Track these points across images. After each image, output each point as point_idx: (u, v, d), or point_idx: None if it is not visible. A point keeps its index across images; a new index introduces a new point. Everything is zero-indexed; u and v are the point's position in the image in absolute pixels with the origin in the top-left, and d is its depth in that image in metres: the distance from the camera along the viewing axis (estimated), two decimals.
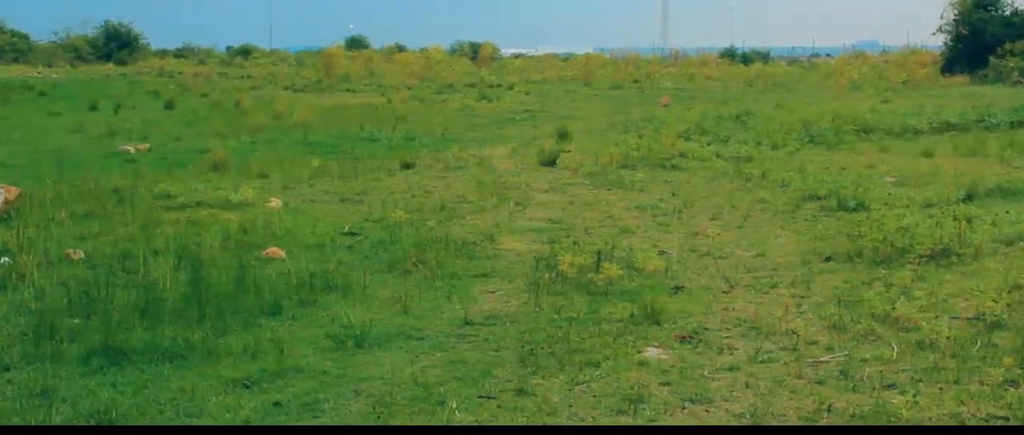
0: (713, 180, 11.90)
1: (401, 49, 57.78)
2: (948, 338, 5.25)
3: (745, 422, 4.31)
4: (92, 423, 4.30)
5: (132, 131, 18.39)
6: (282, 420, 4.38)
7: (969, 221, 8.04)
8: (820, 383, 4.76)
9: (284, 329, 5.74)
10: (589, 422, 4.34)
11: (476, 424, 4.30)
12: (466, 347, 5.44)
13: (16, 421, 4.21)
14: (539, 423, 4.31)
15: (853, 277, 6.84)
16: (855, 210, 9.20)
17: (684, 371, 4.96)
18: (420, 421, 4.33)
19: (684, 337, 5.53)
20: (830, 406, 4.43)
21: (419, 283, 6.84)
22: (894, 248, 7.34)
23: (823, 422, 4.29)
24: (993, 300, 5.79)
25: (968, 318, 5.74)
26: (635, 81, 38.40)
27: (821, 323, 5.74)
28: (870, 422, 4.22)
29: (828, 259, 7.49)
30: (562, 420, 4.36)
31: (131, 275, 6.94)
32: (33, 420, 4.23)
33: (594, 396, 4.62)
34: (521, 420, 4.34)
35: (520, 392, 4.67)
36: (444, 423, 4.27)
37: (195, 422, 4.36)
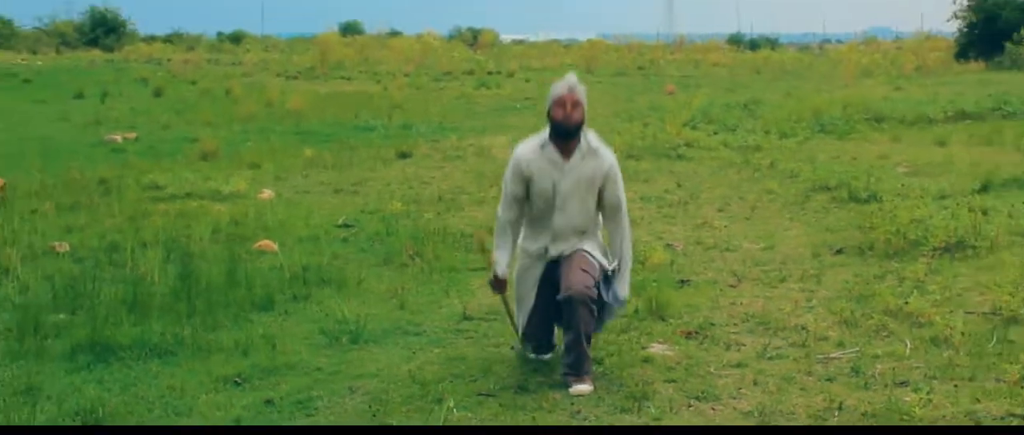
0: (720, 170, 11.89)
1: (396, 35, 57.76)
2: (963, 334, 5.24)
3: (753, 420, 4.30)
4: (78, 421, 4.30)
5: (119, 120, 18.39)
6: (275, 418, 4.38)
7: (985, 213, 8.05)
8: (830, 380, 4.76)
9: (276, 324, 5.74)
10: (592, 421, 4.34)
11: (475, 423, 4.30)
12: (465, 343, 5.44)
13: None
14: (540, 421, 4.31)
15: (865, 271, 6.84)
16: (867, 201, 9.20)
17: (690, 368, 4.95)
18: (417, 419, 4.33)
19: (690, 333, 5.52)
20: (841, 404, 4.43)
21: (416, 277, 6.84)
22: (907, 241, 7.34)
23: (833, 421, 4.29)
24: (1010, 294, 5.80)
25: (984, 313, 5.75)
26: (639, 68, 38.39)
27: (831, 318, 5.74)
28: (882, 420, 4.22)
29: (839, 252, 7.49)
30: (564, 418, 4.36)
31: (118, 268, 6.95)
32: (17, 419, 4.22)
33: (597, 393, 4.61)
34: (521, 418, 4.34)
35: (520, 390, 4.67)
36: (442, 421, 4.26)
37: (185, 420, 4.35)
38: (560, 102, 4.73)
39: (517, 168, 4.82)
